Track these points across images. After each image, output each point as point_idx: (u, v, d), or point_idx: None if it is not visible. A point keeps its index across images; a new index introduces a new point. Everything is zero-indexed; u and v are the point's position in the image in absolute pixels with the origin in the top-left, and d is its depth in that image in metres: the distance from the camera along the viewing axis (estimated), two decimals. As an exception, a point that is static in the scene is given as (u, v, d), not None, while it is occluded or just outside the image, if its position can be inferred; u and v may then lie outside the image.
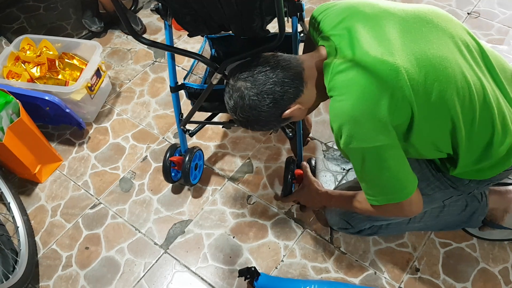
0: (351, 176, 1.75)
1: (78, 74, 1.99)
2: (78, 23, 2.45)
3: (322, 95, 1.18)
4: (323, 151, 1.84)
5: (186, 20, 1.29)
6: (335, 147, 1.84)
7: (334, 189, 1.58)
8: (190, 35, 1.36)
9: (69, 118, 1.89)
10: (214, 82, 1.34)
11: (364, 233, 1.53)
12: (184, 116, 1.58)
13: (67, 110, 1.82)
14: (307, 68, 1.16)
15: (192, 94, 1.51)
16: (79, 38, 2.35)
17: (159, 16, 2.42)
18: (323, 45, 1.19)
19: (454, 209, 1.45)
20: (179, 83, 1.50)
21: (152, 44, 1.30)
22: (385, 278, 1.50)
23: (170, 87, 1.49)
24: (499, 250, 1.53)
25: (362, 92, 1.06)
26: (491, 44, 2.08)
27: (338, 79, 1.10)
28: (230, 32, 1.57)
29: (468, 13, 2.32)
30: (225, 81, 1.21)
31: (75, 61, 2.02)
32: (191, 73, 1.60)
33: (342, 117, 1.08)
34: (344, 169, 1.78)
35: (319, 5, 1.28)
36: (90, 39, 2.32)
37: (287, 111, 1.15)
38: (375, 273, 1.51)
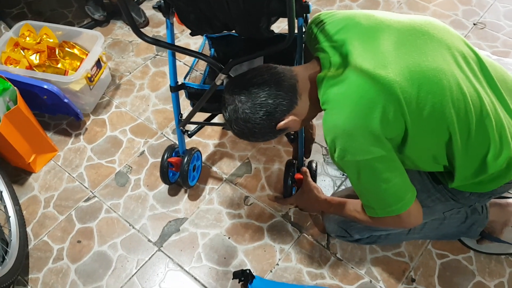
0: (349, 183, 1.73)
1: (78, 63, 1.96)
2: (80, 11, 2.41)
3: (317, 106, 1.17)
4: (323, 155, 1.82)
5: (190, 18, 1.27)
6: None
7: (333, 195, 1.57)
8: (192, 34, 1.34)
9: (67, 108, 1.86)
10: (218, 83, 1.32)
11: (362, 242, 1.52)
12: (184, 116, 1.55)
13: (65, 100, 1.79)
14: (301, 80, 1.15)
15: (192, 94, 1.48)
16: (80, 26, 2.32)
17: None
18: (318, 57, 1.18)
19: (454, 221, 1.43)
20: (180, 83, 1.47)
21: (155, 42, 1.27)
22: (381, 287, 1.49)
23: (170, 86, 1.46)
24: (495, 264, 1.52)
25: (354, 105, 1.06)
26: (496, 56, 2.07)
27: (331, 93, 1.10)
28: (231, 32, 1.56)
29: (474, 24, 2.31)
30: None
31: (75, 51, 1.98)
32: (191, 71, 1.57)
33: (335, 131, 1.09)
34: (343, 174, 1.76)
35: (315, 15, 1.26)
36: (91, 29, 2.29)
37: (281, 123, 1.15)
38: (371, 281, 1.50)
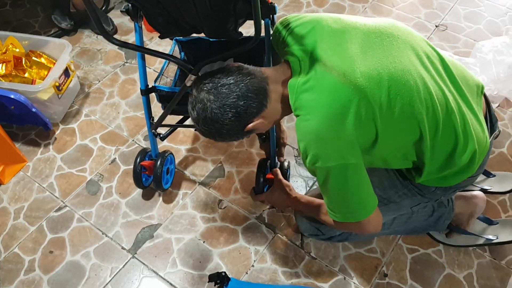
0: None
1: (46, 73, 1.94)
2: (46, 21, 2.39)
3: (286, 110, 1.19)
4: (294, 156, 1.85)
5: (159, 21, 1.27)
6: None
7: (306, 194, 1.59)
8: (161, 37, 1.34)
9: (35, 118, 1.83)
10: (188, 84, 1.32)
11: (335, 240, 1.54)
12: (155, 119, 1.56)
13: (33, 110, 1.76)
14: (271, 83, 1.15)
15: (164, 97, 1.49)
16: (47, 36, 2.29)
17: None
18: (287, 60, 1.20)
19: (421, 215, 1.47)
20: (150, 86, 1.47)
21: (124, 45, 1.27)
22: (354, 283, 1.51)
23: (141, 89, 1.46)
24: (464, 256, 1.56)
25: (327, 111, 1.08)
26: (458, 56, 2.14)
27: (303, 99, 1.11)
28: (200, 35, 1.57)
29: (436, 26, 2.38)
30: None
31: (42, 60, 1.96)
32: (162, 75, 1.58)
33: (308, 137, 1.10)
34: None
35: (282, 18, 1.28)
36: (59, 38, 2.26)
37: (250, 125, 1.15)
38: (345, 278, 1.52)
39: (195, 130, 1.92)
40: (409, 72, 1.11)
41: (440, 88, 1.15)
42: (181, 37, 1.62)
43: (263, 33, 1.30)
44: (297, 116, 1.14)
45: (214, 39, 1.59)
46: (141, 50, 1.33)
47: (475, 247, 1.57)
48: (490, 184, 1.65)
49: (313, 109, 1.09)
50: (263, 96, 1.13)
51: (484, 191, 1.63)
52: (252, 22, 1.24)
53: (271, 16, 1.31)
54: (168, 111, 1.43)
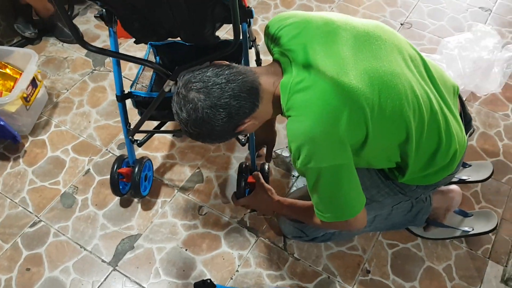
0: (301, 182, 1.77)
1: (12, 84, 1.87)
2: (8, 29, 2.30)
3: (276, 111, 1.18)
4: (273, 158, 1.85)
5: (134, 26, 1.25)
6: (284, 154, 1.86)
7: (286, 196, 1.60)
8: (136, 42, 1.32)
9: (3, 132, 1.77)
10: (166, 89, 1.31)
11: (318, 240, 1.56)
12: (132, 126, 1.53)
13: (1, 123, 1.70)
14: (263, 83, 1.14)
15: (140, 103, 1.46)
16: (10, 45, 2.21)
17: (96, 23, 2.36)
18: (279, 60, 1.19)
19: (400, 211, 1.50)
20: (126, 92, 1.45)
21: (100, 51, 1.25)
22: (339, 281, 1.53)
23: (117, 96, 1.43)
24: (442, 249, 1.61)
25: (320, 112, 1.08)
26: (424, 53, 2.19)
27: (295, 99, 1.11)
28: (176, 39, 1.55)
29: (401, 24, 2.44)
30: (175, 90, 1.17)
31: (7, 70, 1.89)
32: (136, 82, 1.56)
33: (301, 138, 1.09)
34: (293, 176, 1.80)
35: (273, 17, 1.28)
36: (23, 47, 2.19)
37: (242, 126, 1.14)
38: (329, 277, 1.54)
39: (173, 136, 1.89)
40: (398, 75, 1.13)
41: (424, 90, 1.18)
42: (156, 42, 1.60)
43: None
44: (288, 116, 1.13)
45: (189, 44, 1.57)
46: (118, 56, 1.31)
47: (452, 239, 1.62)
48: (468, 174, 1.70)
49: (306, 110, 1.09)
50: (255, 96, 1.12)
51: (463, 181, 1.68)
52: (226, 26, 1.24)
53: (248, 20, 1.31)
54: (146, 117, 1.41)
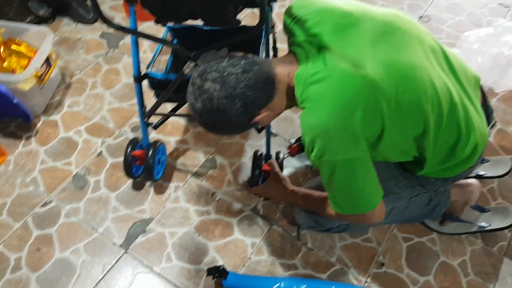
0: (315, 173, 1.75)
1: (26, 62, 1.84)
2: (21, 8, 2.27)
3: (291, 103, 1.16)
4: (287, 147, 1.83)
5: (156, 5, 1.23)
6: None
7: (301, 186, 1.58)
8: (156, 21, 1.30)
9: (15, 110, 1.74)
10: (186, 71, 1.29)
11: (333, 231, 1.54)
12: (147, 107, 1.51)
13: (15, 101, 1.68)
14: (279, 74, 1.11)
15: (156, 84, 1.44)
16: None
17: (110, 4, 2.34)
18: (294, 51, 1.16)
19: (418, 204, 1.48)
20: (142, 73, 1.43)
21: (122, 29, 1.22)
22: (352, 273, 1.51)
23: (134, 77, 1.41)
24: (457, 244, 1.59)
25: (335, 105, 1.06)
26: (442, 47, 2.16)
27: (310, 91, 1.08)
28: (194, 23, 1.53)
29: (419, 17, 2.41)
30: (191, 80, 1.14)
31: (22, 48, 1.86)
32: (152, 64, 1.53)
33: (315, 130, 1.07)
34: (308, 166, 1.77)
35: (290, 5, 1.25)
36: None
37: (258, 117, 1.11)
38: (342, 268, 1.52)
39: (189, 120, 1.87)
40: (416, 68, 1.11)
41: (444, 82, 1.15)
42: (174, 25, 1.57)
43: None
44: (302, 108, 1.11)
45: (208, 28, 1.55)
46: (140, 34, 1.28)
47: (467, 235, 1.60)
48: (485, 170, 1.68)
49: (321, 102, 1.07)
50: (271, 87, 1.09)
51: (480, 176, 1.66)
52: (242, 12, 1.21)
53: (270, 4, 1.29)
54: (164, 99, 1.39)
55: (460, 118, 1.16)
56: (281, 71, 1.12)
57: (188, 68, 1.28)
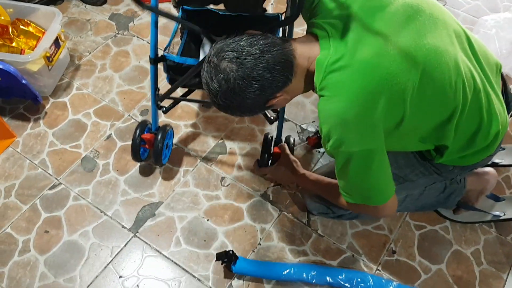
0: (326, 158, 1.72)
1: (35, 42, 1.82)
2: (29, -12, 2.24)
3: (308, 87, 1.12)
4: (297, 133, 1.80)
5: None
6: (310, 129, 1.80)
7: (312, 171, 1.55)
8: (178, 3, 1.26)
9: (24, 91, 1.72)
10: None
11: (344, 218, 1.51)
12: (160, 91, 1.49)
13: (23, 82, 1.65)
14: (298, 57, 1.06)
15: (171, 68, 1.41)
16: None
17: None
18: (316, 33, 1.10)
19: (433, 192, 1.45)
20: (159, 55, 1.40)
21: (148, 8, 1.18)
22: (363, 260, 1.49)
23: (150, 58, 1.38)
24: (470, 233, 1.56)
25: (355, 95, 1.02)
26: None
27: (331, 79, 1.04)
28: (209, 6, 1.49)
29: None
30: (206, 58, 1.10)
31: (30, 28, 1.84)
32: (168, 47, 1.50)
33: (333, 120, 1.04)
34: (319, 151, 1.74)
35: None
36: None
37: (274, 100, 1.08)
38: (353, 255, 1.50)
39: (202, 105, 1.84)
40: (442, 53, 1.06)
41: (468, 68, 1.12)
42: (189, 7, 1.53)
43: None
44: (321, 96, 1.06)
45: (224, 13, 1.50)
46: (164, 14, 1.24)
47: (481, 224, 1.57)
48: (501, 158, 1.65)
49: (341, 92, 1.03)
50: (289, 70, 1.05)
51: (495, 164, 1.62)
52: None
53: None
54: (181, 83, 1.36)
55: (483, 105, 1.13)
56: (301, 54, 1.07)
57: None
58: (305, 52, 1.07)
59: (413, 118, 1.07)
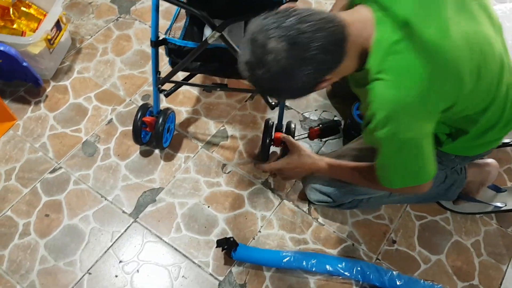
0: (328, 146, 1.71)
1: (36, 25, 1.80)
2: (31, -31, 2.21)
3: (356, 67, 1.03)
4: (300, 121, 1.79)
5: None
6: (312, 117, 1.79)
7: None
8: None
9: (25, 74, 1.71)
10: (210, 41, 1.25)
11: (345, 207, 1.51)
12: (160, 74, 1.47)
13: (24, 64, 1.64)
14: (352, 35, 0.95)
15: (172, 51, 1.40)
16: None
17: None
18: (370, 8, 0.99)
19: (433, 181, 1.44)
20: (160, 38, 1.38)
21: None
22: (363, 249, 1.49)
23: (151, 41, 1.37)
24: (471, 224, 1.56)
25: (421, 80, 0.96)
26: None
27: (392, 61, 0.96)
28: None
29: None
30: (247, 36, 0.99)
31: (32, 10, 1.82)
32: (170, 30, 1.48)
33: (394, 106, 0.97)
34: (321, 140, 1.74)
35: None
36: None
37: (324, 84, 0.99)
38: (353, 244, 1.50)
39: (203, 89, 1.81)
40: (492, 44, 1.05)
41: (506, 60, 1.10)
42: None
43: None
44: (377, 79, 0.98)
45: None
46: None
47: (481, 215, 1.57)
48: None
49: (404, 77, 0.96)
50: (342, 50, 0.95)
51: (507, 144, 1.59)
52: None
53: None
54: (182, 67, 1.35)
55: (509, 99, 1.12)
56: (356, 32, 0.96)
57: (212, 38, 1.23)
58: (359, 29, 0.97)
59: (460, 105, 1.04)
